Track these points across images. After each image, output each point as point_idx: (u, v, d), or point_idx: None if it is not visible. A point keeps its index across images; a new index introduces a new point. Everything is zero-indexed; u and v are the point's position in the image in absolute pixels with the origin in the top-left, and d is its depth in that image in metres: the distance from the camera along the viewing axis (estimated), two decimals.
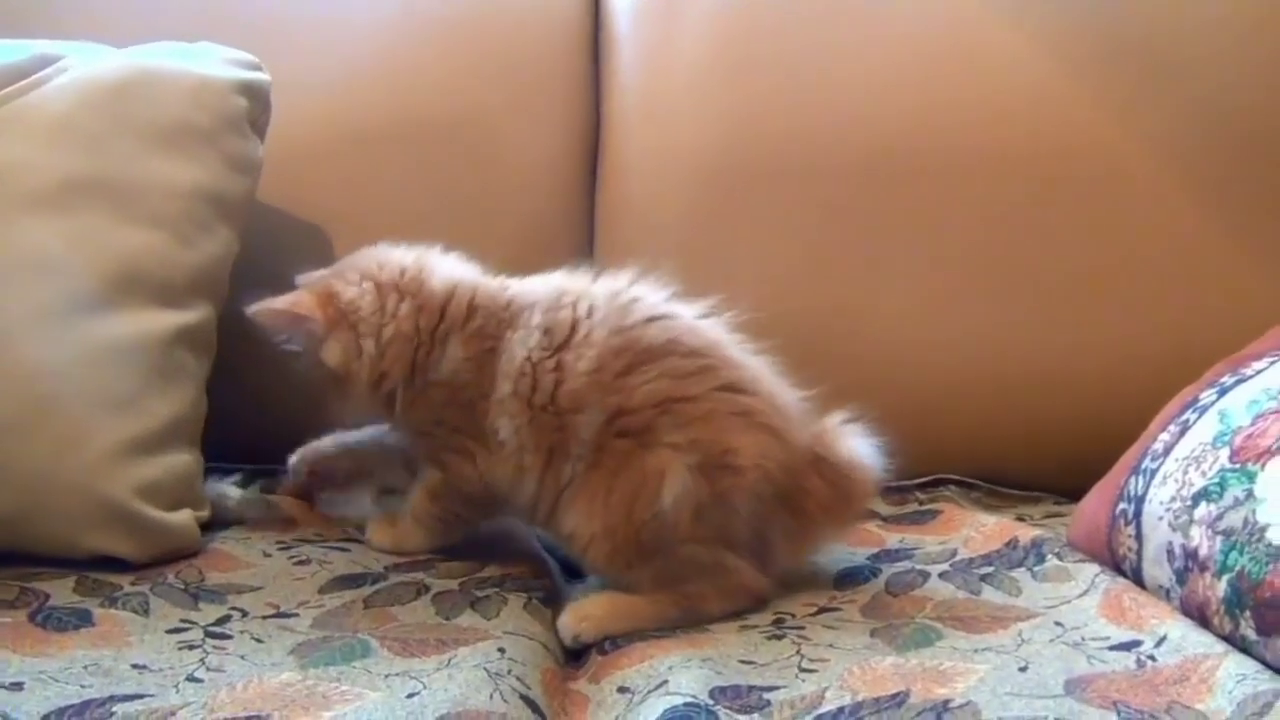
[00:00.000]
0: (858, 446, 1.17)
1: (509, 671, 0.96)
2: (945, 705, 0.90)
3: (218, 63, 1.39)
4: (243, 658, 1.00)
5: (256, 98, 1.40)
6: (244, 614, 1.09)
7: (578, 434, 1.14)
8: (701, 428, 1.11)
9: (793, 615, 1.11)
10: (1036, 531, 1.24)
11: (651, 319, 1.16)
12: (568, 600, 1.16)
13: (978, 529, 1.28)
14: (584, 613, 1.11)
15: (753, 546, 1.13)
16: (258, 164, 1.40)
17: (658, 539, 1.11)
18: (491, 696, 0.92)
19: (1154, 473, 1.14)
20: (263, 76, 1.42)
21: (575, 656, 1.10)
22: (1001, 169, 1.50)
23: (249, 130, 1.39)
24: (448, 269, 1.24)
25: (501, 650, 1.01)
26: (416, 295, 1.21)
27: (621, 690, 0.97)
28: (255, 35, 1.51)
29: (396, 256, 1.24)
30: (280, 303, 1.21)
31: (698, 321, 1.19)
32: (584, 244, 1.58)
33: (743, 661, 1.00)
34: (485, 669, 0.96)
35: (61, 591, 1.12)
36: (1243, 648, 0.96)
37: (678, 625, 1.10)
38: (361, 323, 1.20)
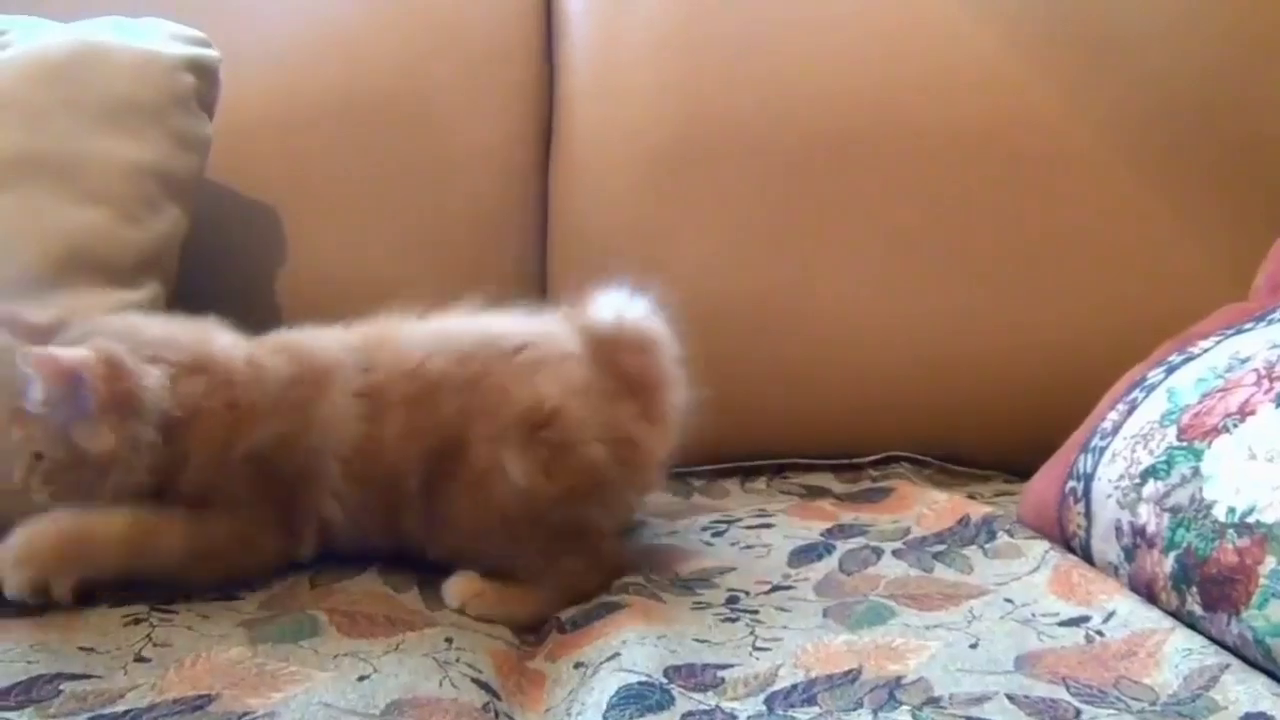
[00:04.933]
0: (604, 303, 1.14)
1: (458, 660, 0.96)
2: (897, 682, 0.91)
3: (164, 39, 1.37)
4: (189, 629, 1.00)
5: (205, 75, 1.38)
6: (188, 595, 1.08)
7: (408, 489, 1.10)
8: (501, 407, 1.08)
9: (746, 593, 1.11)
10: (988, 509, 1.24)
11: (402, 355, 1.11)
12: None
13: (930, 506, 1.28)
14: (476, 589, 1.09)
15: (619, 455, 1.10)
16: (206, 142, 1.38)
17: (527, 513, 1.08)
18: (441, 683, 0.91)
19: (1103, 451, 1.14)
20: (211, 53, 1.40)
21: (530, 631, 1.09)
22: (949, 148, 1.50)
23: (197, 108, 1.37)
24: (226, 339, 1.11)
25: (449, 640, 1.00)
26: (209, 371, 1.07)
27: (577, 666, 0.97)
28: (202, 10, 1.49)
29: (174, 331, 1.09)
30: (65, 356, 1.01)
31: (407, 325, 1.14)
32: (537, 222, 1.58)
33: (697, 640, 1.00)
34: (434, 658, 0.95)
35: None
36: (1189, 623, 0.97)
37: (560, 608, 1.09)
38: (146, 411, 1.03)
